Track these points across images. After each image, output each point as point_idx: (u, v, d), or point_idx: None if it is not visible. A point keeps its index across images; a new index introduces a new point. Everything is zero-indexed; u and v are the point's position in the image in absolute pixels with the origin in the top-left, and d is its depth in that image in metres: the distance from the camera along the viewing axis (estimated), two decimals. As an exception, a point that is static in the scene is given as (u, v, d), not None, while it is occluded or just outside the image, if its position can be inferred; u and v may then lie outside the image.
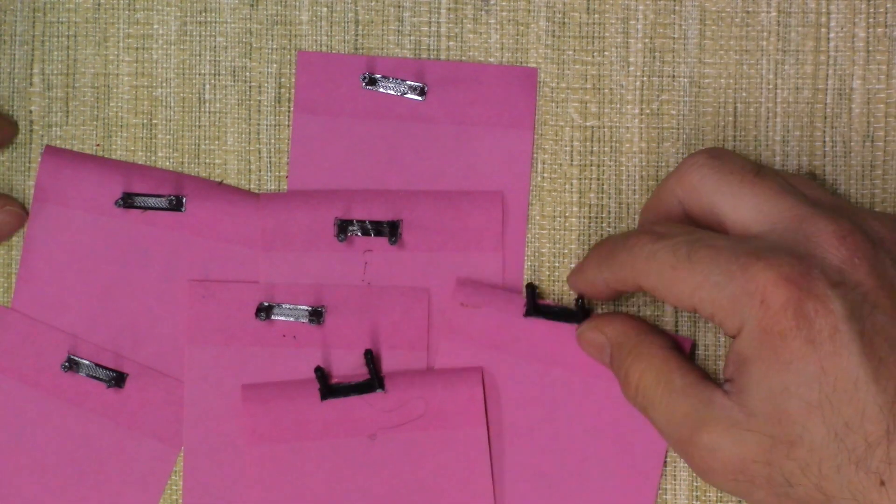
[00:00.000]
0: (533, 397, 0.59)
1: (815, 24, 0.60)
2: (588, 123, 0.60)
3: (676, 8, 0.60)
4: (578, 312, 0.58)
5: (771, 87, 0.60)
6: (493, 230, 0.60)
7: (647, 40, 0.60)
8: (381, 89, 0.60)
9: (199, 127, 0.61)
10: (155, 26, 0.61)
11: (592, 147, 0.60)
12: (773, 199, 0.52)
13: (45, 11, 0.61)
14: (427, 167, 0.60)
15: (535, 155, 0.60)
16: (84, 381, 0.60)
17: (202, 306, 0.60)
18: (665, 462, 0.59)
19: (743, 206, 0.53)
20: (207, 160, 0.61)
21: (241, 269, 0.60)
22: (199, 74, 0.61)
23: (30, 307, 0.60)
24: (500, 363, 0.59)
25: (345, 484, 0.59)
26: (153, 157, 0.61)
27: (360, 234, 0.59)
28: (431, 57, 0.60)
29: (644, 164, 0.60)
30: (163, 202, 0.60)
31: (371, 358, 0.58)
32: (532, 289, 0.58)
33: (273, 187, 0.61)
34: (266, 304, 0.60)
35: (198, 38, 0.61)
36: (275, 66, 0.61)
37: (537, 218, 0.60)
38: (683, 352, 0.56)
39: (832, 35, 0.60)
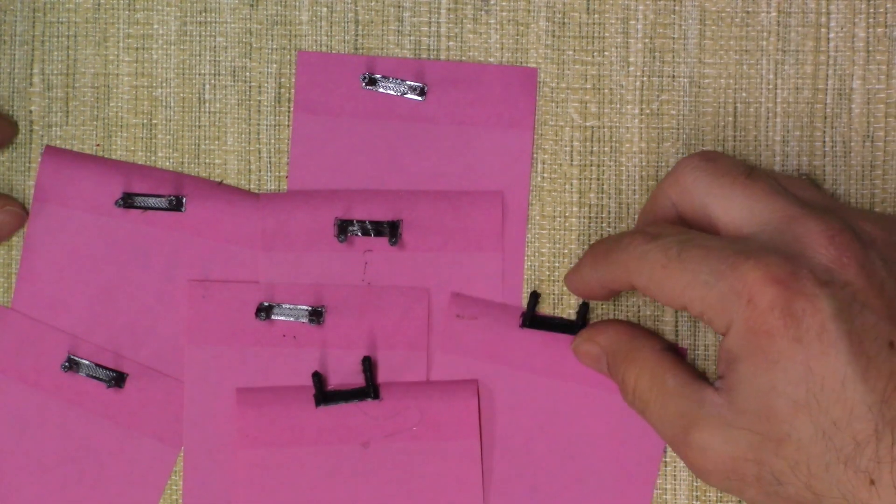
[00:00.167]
0: (529, 408, 0.59)
1: (815, 24, 0.60)
2: (588, 123, 0.60)
3: (676, 8, 0.60)
4: (576, 323, 0.58)
5: (771, 87, 0.60)
6: (493, 230, 0.60)
7: (647, 40, 0.60)
8: (381, 89, 0.60)
9: (199, 127, 0.61)
10: (155, 26, 0.61)
11: (592, 147, 0.60)
12: (764, 200, 0.53)
13: (45, 11, 0.61)
14: (427, 167, 0.60)
15: (535, 155, 0.60)
16: (84, 381, 0.60)
17: (202, 306, 0.60)
18: (665, 462, 0.59)
19: (734, 208, 0.53)
20: (207, 160, 0.61)
21: (241, 269, 0.60)
22: (199, 74, 0.61)
23: (30, 307, 0.60)
24: (497, 374, 0.59)
25: (336, 491, 0.59)
26: (153, 157, 0.61)
27: (360, 234, 0.59)
28: (431, 57, 0.60)
29: (644, 164, 0.60)
30: (163, 202, 0.60)
31: (369, 365, 0.58)
32: (535, 297, 0.59)
33: (273, 187, 0.61)
34: (266, 304, 0.60)
35: (198, 38, 0.61)
36: (275, 66, 0.61)
37: (537, 218, 0.60)
38: (677, 352, 0.56)
39: (832, 35, 0.59)
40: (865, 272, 0.51)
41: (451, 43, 0.60)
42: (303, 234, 0.60)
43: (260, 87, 0.61)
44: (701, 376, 0.53)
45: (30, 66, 0.61)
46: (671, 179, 0.55)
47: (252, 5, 0.61)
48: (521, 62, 0.60)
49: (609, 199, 0.60)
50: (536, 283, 0.60)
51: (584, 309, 0.59)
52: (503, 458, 0.59)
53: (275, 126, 0.61)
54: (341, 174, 0.60)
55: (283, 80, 0.61)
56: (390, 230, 0.59)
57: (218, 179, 0.61)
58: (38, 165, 0.61)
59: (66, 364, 0.60)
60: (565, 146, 0.60)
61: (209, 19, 0.61)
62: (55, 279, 0.60)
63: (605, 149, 0.60)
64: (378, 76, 0.60)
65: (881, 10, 0.59)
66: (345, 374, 0.60)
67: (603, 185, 0.60)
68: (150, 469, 0.60)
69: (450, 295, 0.60)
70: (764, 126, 0.60)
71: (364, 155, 0.60)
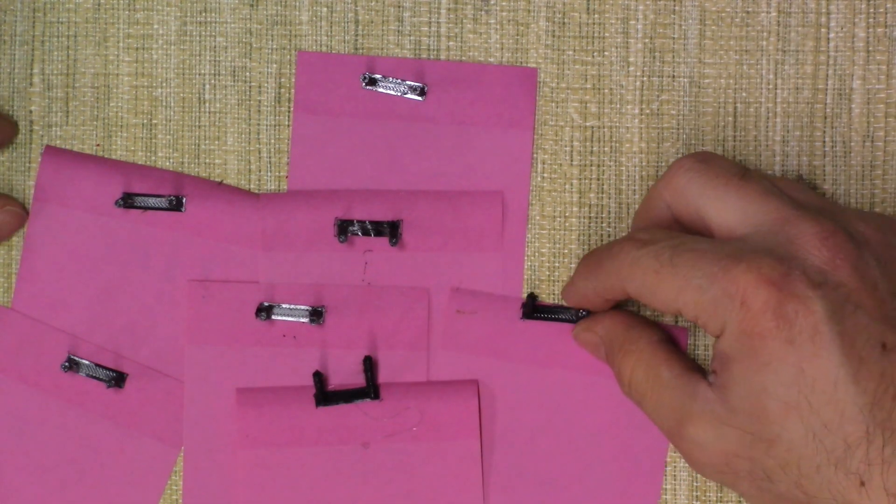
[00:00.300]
0: (533, 401, 0.59)
1: (815, 24, 0.60)
2: (588, 123, 0.60)
3: (676, 8, 0.60)
4: (575, 311, 0.58)
5: (771, 87, 0.60)
6: (493, 230, 0.60)
7: (647, 40, 0.60)
8: (381, 89, 0.60)
9: (199, 127, 0.61)
10: (155, 26, 0.61)
11: (592, 147, 0.60)
12: (758, 201, 0.53)
13: (45, 11, 0.61)
14: (427, 167, 0.60)
15: (535, 155, 0.60)
16: (84, 381, 0.60)
17: (202, 306, 0.60)
18: (665, 462, 0.59)
19: (728, 210, 0.53)
20: (207, 160, 0.61)
21: (241, 269, 0.60)
22: (199, 74, 0.61)
23: (30, 307, 0.60)
24: (499, 370, 0.59)
25: (336, 491, 0.59)
26: (153, 157, 0.61)
27: (360, 234, 0.59)
28: (431, 57, 0.60)
29: (644, 164, 0.60)
30: (163, 202, 0.60)
31: (369, 365, 0.58)
32: (532, 298, 0.59)
33: (273, 187, 0.61)
34: (266, 304, 0.60)
35: (198, 38, 0.61)
36: (275, 66, 0.61)
37: (537, 218, 0.60)
38: (674, 342, 0.56)
39: (832, 35, 0.60)
40: (859, 273, 0.50)
41: (451, 43, 0.60)
42: (303, 234, 0.60)
43: (260, 87, 0.61)
44: (697, 368, 0.53)
45: (30, 66, 0.61)
46: (665, 181, 0.55)
47: (252, 5, 0.61)
48: (521, 62, 0.60)
49: (609, 199, 0.60)
50: (536, 282, 0.60)
51: None
52: (506, 455, 0.59)
53: (275, 126, 0.61)
54: (341, 174, 0.60)
55: (283, 80, 0.61)
56: (390, 230, 0.59)
57: (218, 179, 0.61)
58: (38, 165, 0.61)
59: (66, 364, 0.60)
60: (565, 146, 0.60)
61: (209, 19, 0.61)
62: (55, 279, 0.60)
63: (605, 149, 0.60)
64: (378, 76, 0.60)
65: (881, 10, 0.59)
66: (345, 374, 0.60)
67: (603, 185, 0.60)
68: (150, 469, 0.60)
69: (450, 290, 0.59)
70: (764, 126, 0.60)
71: (364, 155, 0.60)
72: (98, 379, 0.60)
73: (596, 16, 0.60)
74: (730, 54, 0.60)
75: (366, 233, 0.59)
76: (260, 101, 0.61)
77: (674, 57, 0.60)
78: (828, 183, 0.59)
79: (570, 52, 0.60)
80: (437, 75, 0.60)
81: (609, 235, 0.60)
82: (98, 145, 0.61)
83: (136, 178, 0.60)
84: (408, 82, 0.60)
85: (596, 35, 0.60)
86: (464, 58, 0.60)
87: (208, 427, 0.60)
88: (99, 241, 0.60)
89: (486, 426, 0.59)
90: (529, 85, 0.60)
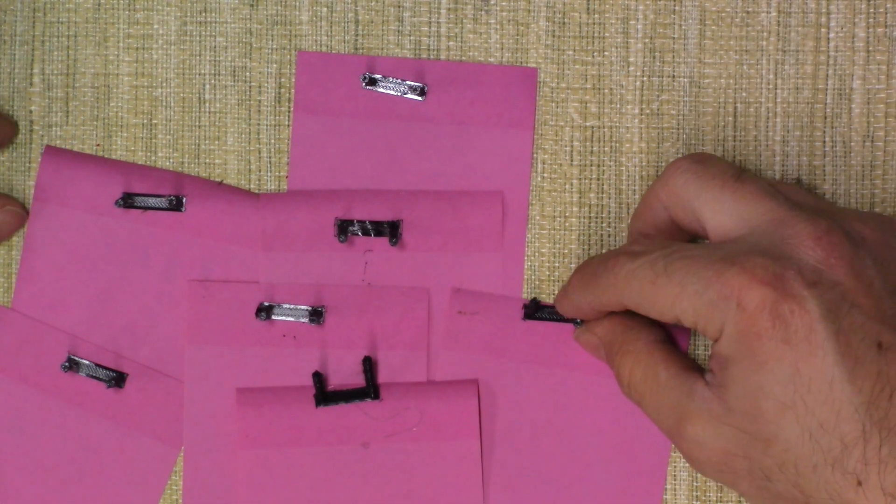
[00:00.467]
0: (534, 401, 0.59)
1: (815, 24, 0.60)
2: (588, 123, 0.60)
3: (676, 8, 0.60)
4: None
5: (771, 87, 0.60)
6: (493, 230, 0.60)
7: (647, 40, 0.60)
8: (381, 89, 0.60)
9: (199, 127, 0.61)
10: (155, 26, 0.61)
11: (592, 147, 0.60)
12: (753, 202, 0.53)
13: (45, 11, 0.61)
14: (427, 167, 0.60)
15: (535, 155, 0.60)
16: (84, 381, 0.60)
17: (202, 306, 0.60)
18: (667, 463, 0.59)
19: (723, 211, 0.53)
20: (207, 160, 0.61)
21: (241, 269, 0.60)
22: (199, 74, 0.61)
23: (30, 307, 0.60)
24: (501, 370, 0.59)
25: (336, 491, 0.59)
26: (153, 157, 0.61)
27: (360, 234, 0.59)
28: (431, 57, 0.60)
29: (644, 164, 0.60)
30: (163, 202, 0.60)
31: (369, 365, 0.58)
32: (536, 303, 0.59)
33: (273, 187, 0.61)
34: (266, 304, 0.60)
35: (198, 38, 0.61)
36: (275, 66, 0.61)
37: (537, 218, 0.60)
38: (673, 342, 0.56)
39: (832, 35, 0.60)
40: (854, 272, 0.50)
41: (451, 43, 0.60)
42: (303, 234, 0.60)
43: (260, 87, 0.61)
44: (695, 367, 0.53)
45: (30, 66, 0.61)
46: (661, 183, 0.55)
47: (252, 5, 0.61)
48: (521, 62, 0.60)
49: (609, 199, 0.60)
50: (536, 283, 0.60)
51: None
52: (506, 455, 0.59)
53: (275, 126, 0.61)
54: (341, 174, 0.60)
55: (283, 80, 0.61)
56: (390, 230, 0.59)
57: (218, 179, 0.61)
58: (38, 165, 0.61)
59: (66, 364, 0.60)
60: (565, 146, 0.60)
61: (209, 19, 0.61)
62: (55, 279, 0.60)
63: (605, 149, 0.60)
64: (378, 76, 0.60)
65: (881, 10, 0.59)
66: (345, 374, 0.60)
67: (603, 185, 0.60)
68: (150, 469, 0.60)
69: (450, 291, 0.60)
70: (764, 126, 0.60)
71: (364, 155, 0.60)
72: (98, 379, 0.60)
73: (596, 16, 0.60)
74: (730, 54, 0.60)
75: (366, 233, 0.59)
76: (260, 101, 0.61)
77: (674, 57, 0.60)
78: (828, 183, 0.59)
79: (570, 52, 0.60)
80: (437, 75, 0.60)
81: (609, 235, 0.60)
82: (98, 145, 0.61)
83: (136, 178, 0.60)
84: (408, 82, 0.60)
85: (596, 35, 0.60)
86: (464, 58, 0.60)
87: (208, 427, 0.60)
88: (99, 241, 0.60)
89: (487, 426, 0.59)
90: (529, 85, 0.60)
